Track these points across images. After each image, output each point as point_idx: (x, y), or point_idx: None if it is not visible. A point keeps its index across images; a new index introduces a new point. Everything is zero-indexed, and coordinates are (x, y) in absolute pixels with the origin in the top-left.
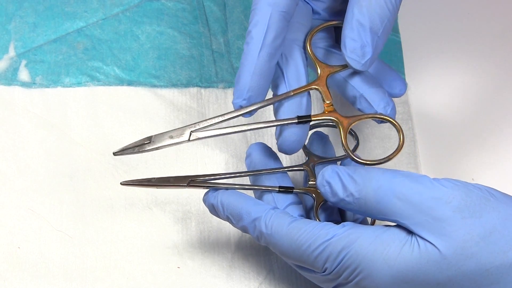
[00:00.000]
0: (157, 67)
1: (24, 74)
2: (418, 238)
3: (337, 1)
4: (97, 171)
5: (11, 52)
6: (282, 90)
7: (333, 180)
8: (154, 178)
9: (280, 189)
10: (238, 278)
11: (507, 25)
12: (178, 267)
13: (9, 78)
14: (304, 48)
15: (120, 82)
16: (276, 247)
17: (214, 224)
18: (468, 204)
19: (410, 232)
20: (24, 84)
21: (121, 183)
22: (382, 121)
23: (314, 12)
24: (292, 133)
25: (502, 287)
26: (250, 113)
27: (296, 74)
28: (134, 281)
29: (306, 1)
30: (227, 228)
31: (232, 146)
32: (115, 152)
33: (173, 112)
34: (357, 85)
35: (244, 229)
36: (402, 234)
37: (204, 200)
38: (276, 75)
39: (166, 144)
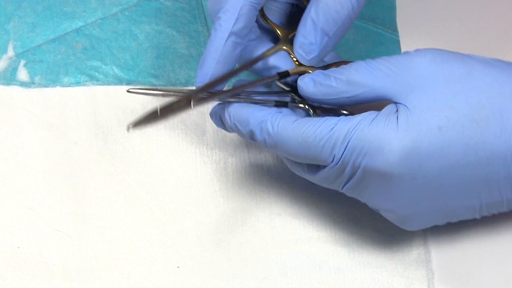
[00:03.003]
0: (156, 67)
1: (23, 74)
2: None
3: None
4: (97, 171)
5: (10, 52)
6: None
7: (316, 77)
8: (159, 87)
9: (276, 103)
10: (238, 278)
11: (507, 25)
12: (178, 267)
13: (8, 78)
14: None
15: (119, 81)
16: (282, 144)
17: (213, 224)
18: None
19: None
20: (23, 84)
21: (127, 91)
22: None
23: None
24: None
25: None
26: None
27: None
28: (134, 281)
29: None
30: (227, 228)
31: (231, 146)
32: (131, 125)
33: None
34: None
35: (250, 134)
36: (393, 108)
37: (211, 114)
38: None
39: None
